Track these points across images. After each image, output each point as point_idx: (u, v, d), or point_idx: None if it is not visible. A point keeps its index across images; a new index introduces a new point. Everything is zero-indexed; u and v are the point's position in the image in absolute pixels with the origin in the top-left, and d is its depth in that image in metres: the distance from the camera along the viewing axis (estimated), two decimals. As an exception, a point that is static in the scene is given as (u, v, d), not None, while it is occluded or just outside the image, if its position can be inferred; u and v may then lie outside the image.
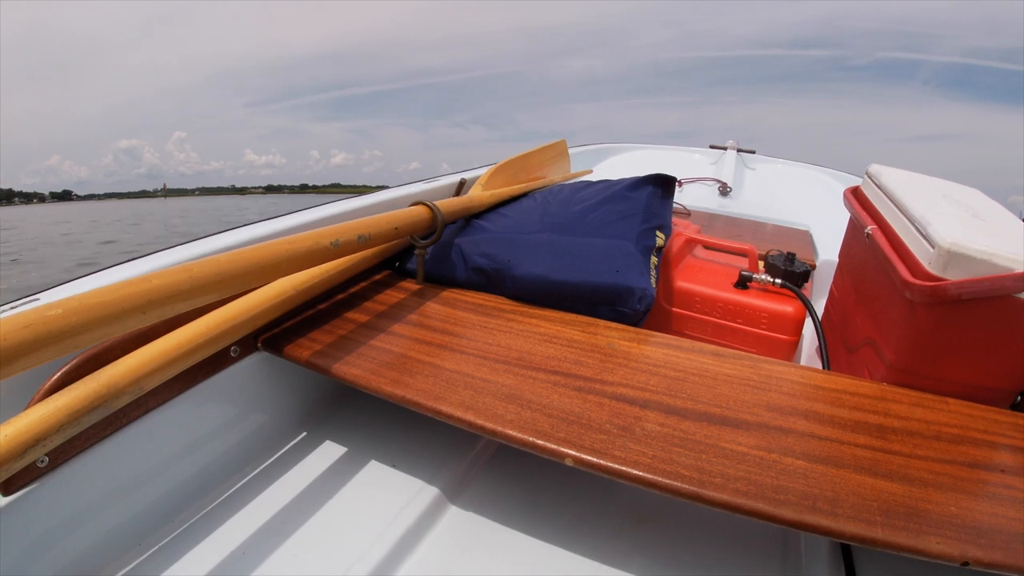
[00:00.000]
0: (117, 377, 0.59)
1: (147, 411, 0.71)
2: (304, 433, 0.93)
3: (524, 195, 1.31)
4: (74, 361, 0.63)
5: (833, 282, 1.11)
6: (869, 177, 1.02)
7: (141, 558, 0.69)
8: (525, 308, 0.97)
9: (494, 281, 1.02)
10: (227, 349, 0.80)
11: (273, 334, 0.86)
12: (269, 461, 0.86)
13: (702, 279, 1.11)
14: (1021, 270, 0.67)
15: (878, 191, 0.96)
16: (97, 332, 0.51)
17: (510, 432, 0.66)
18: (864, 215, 0.96)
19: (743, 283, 1.09)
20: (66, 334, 0.49)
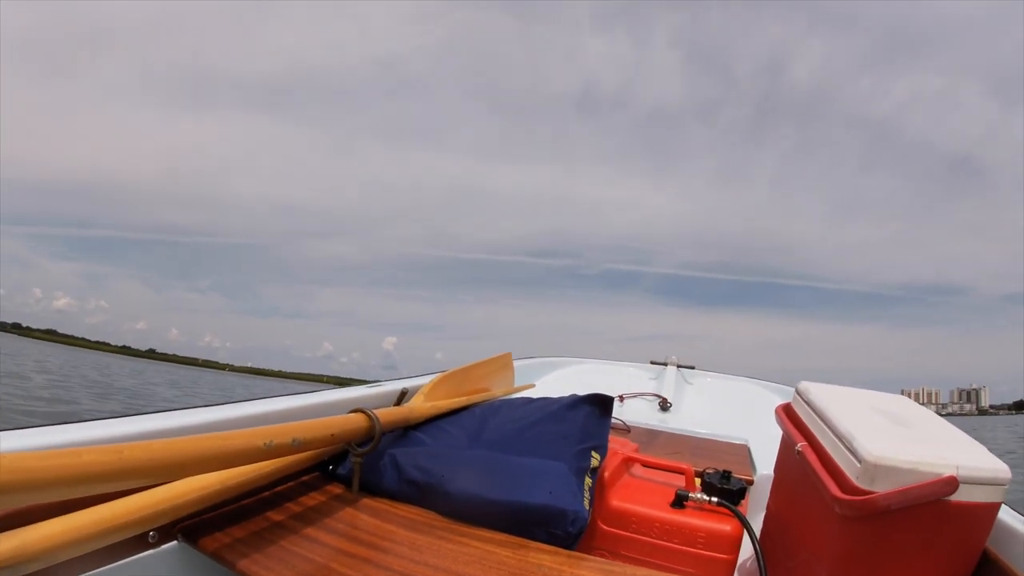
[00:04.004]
0: (30, 543, 0.56)
1: None
2: None
3: (464, 408, 1.33)
4: None
5: (770, 497, 1.12)
6: (798, 394, 1.06)
7: None
8: (456, 526, 0.93)
9: (427, 495, 1.00)
10: (146, 534, 0.77)
11: (193, 525, 0.82)
12: None
13: (639, 498, 1.11)
14: (948, 474, 0.69)
15: (807, 408, 1.00)
16: (18, 496, 0.50)
17: None
18: (795, 432, 0.99)
19: (679, 502, 1.09)
20: None
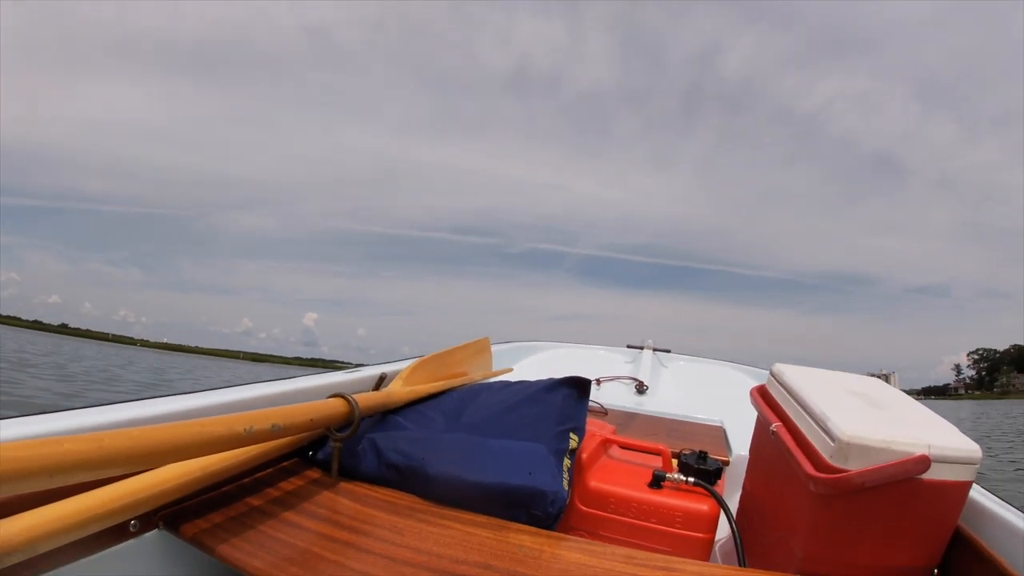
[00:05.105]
0: (12, 534, 0.56)
1: (36, 574, 0.66)
2: None
3: (443, 393, 1.33)
4: None
5: (746, 477, 1.14)
6: (773, 376, 1.08)
7: None
8: (437, 508, 0.94)
9: (408, 479, 1.00)
10: (127, 522, 0.77)
11: (174, 512, 0.82)
12: None
13: (617, 479, 1.12)
14: (920, 453, 0.71)
15: (781, 389, 1.02)
16: (2, 487, 0.50)
17: None
18: (770, 413, 1.01)
19: (657, 482, 1.11)
20: None
